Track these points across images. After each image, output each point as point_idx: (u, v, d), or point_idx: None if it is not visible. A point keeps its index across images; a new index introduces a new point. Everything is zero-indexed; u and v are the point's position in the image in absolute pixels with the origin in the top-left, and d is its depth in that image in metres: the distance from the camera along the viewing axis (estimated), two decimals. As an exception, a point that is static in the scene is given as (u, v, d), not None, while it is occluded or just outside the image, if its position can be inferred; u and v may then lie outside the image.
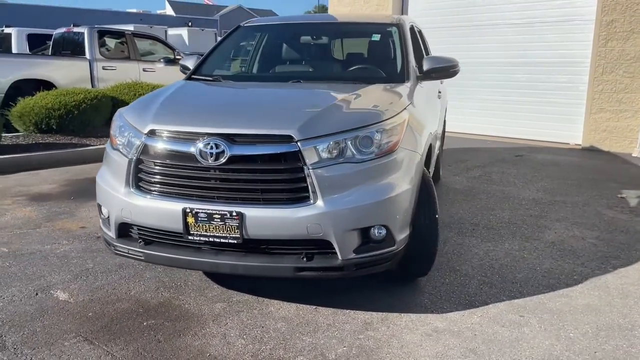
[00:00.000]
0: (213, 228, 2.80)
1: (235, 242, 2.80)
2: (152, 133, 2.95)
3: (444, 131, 6.38)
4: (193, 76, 4.11)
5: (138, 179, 2.96)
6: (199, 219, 2.81)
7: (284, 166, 2.75)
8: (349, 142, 2.81)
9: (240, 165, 2.77)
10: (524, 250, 4.09)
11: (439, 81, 4.80)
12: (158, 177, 2.92)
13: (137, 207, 2.94)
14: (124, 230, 3.08)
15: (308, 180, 2.71)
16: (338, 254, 2.79)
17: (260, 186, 2.77)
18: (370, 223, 2.83)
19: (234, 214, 2.75)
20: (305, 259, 2.81)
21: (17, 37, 12.00)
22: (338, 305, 3.16)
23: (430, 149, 3.69)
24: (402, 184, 2.91)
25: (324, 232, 2.74)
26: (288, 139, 2.74)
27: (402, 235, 2.95)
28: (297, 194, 2.75)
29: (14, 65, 9.36)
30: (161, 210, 2.87)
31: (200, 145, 2.78)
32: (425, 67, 3.92)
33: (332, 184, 2.74)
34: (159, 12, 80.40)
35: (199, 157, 2.78)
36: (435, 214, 3.25)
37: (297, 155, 2.72)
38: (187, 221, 2.83)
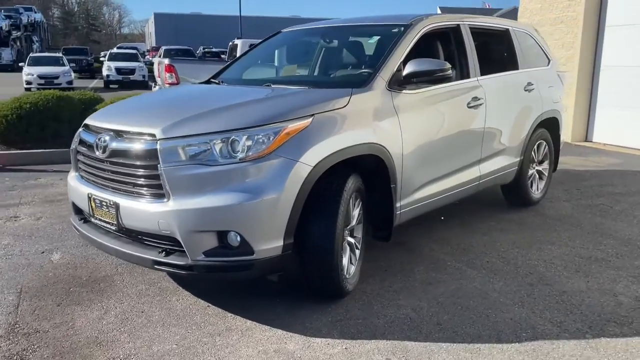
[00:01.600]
0: (103, 214, 3.13)
1: (115, 229, 3.08)
2: (85, 126, 3.42)
3: (551, 149, 5.40)
4: (211, 79, 4.46)
5: (77, 165, 3.46)
6: (96, 204, 3.16)
7: (146, 163, 2.91)
8: (214, 144, 2.82)
9: (117, 159, 3.03)
10: (510, 293, 3.37)
11: (471, 87, 4.19)
12: (80, 164, 3.37)
13: (72, 189, 3.44)
14: (77, 208, 3.61)
15: (161, 178, 2.82)
16: (187, 253, 2.83)
17: (132, 180, 2.98)
18: (219, 227, 2.79)
19: (112, 203, 3.03)
20: (163, 254, 2.92)
21: (241, 46, 13.94)
22: (231, 309, 3.16)
23: (387, 161, 3.35)
24: (267, 191, 2.78)
25: (171, 230, 2.82)
26: (152, 137, 2.89)
27: (266, 246, 2.82)
28: (157, 190, 2.88)
29: (202, 69, 10.99)
30: (80, 193, 3.32)
31: (96, 138, 3.14)
32: (405, 71, 3.55)
33: (183, 184, 2.79)
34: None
35: (95, 149, 3.14)
36: (333, 228, 2.98)
37: (155, 153, 2.85)
38: (91, 205, 3.21)
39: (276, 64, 4.84)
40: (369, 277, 3.61)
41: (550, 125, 5.36)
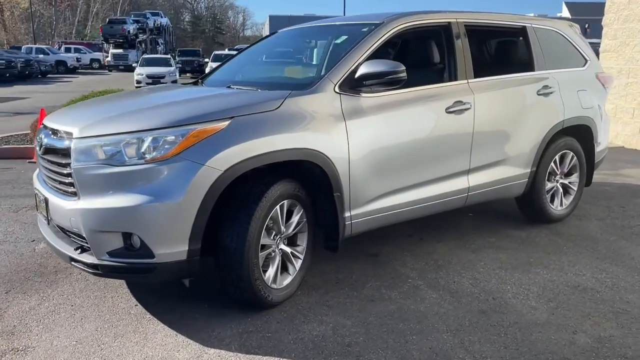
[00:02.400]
0: (41, 208, 3.26)
1: (47, 223, 3.19)
2: (43, 125, 3.57)
3: (581, 160, 4.80)
4: (199, 79, 4.49)
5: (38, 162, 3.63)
6: (37, 198, 3.31)
7: (65, 161, 2.97)
8: (123, 145, 2.82)
9: (48, 156, 3.13)
10: (452, 319, 3.03)
11: (455, 90, 3.83)
12: (37, 160, 3.53)
13: (33, 183, 3.62)
14: (43, 202, 3.79)
15: (72, 176, 2.87)
16: (93, 252, 2.86)
17: (57, 177, 3.06)
18: (120, 229, 2.78)
19: (44, 198, 3.14)
20: (78, 251, 2.97)
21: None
22: (155, 310, 3.15)
23: (328, 169, 3.17)
24: (168, 195, 2.73)
25: (78, 228, 2.86)
26: (70, 135, 2.96)
27: (168, 250, 2.77)
28: (72, 188, 2.94)
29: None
30: (34, 187, 3.48)
31: (39, 135, 3.28)
32: (357, 73, 3.33)
33: (91, 183, 2.82)
34: (558, 15, 76.73)
35: (39, 145, 3.28)
36: (244, 235, 2.87)
37: (69, 152, 2.91)
38: (36, 199, 3.36)
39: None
40: (315, 288, 3.44)
41: (580, 134, 4.78)
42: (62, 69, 36.72)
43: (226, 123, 2.89)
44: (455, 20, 4.02)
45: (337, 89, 3.31)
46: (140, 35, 45.24)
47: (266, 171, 3.10)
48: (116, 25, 41.45)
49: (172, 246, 2.78)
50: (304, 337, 2.85)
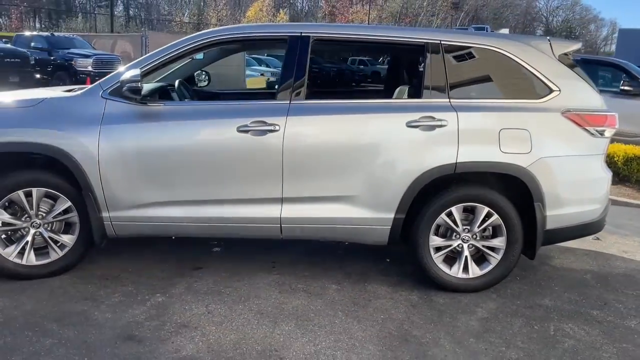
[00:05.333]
0: None
1: None
2: None
3: (510, 222, 3.59)
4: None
5: None
6: None
7: None
8: None
9: None
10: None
11: (259, 109, 3.46)
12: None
13: None
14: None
15: None
16: None
17: None
18: None
19: None
20: None
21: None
22: None
23: (71, 165, 3.47)
24: None
25: None
26: None
27: None
28: None
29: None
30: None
31: None
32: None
33: None
34: None
35: None
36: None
37: None
38: None
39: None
40: (79, 279, 3.66)
41: (506, 187, 3.64)
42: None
43: None
44: (299, 33, 3.63)
45: (105, 95, 3.54)
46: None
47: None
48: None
49: None
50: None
